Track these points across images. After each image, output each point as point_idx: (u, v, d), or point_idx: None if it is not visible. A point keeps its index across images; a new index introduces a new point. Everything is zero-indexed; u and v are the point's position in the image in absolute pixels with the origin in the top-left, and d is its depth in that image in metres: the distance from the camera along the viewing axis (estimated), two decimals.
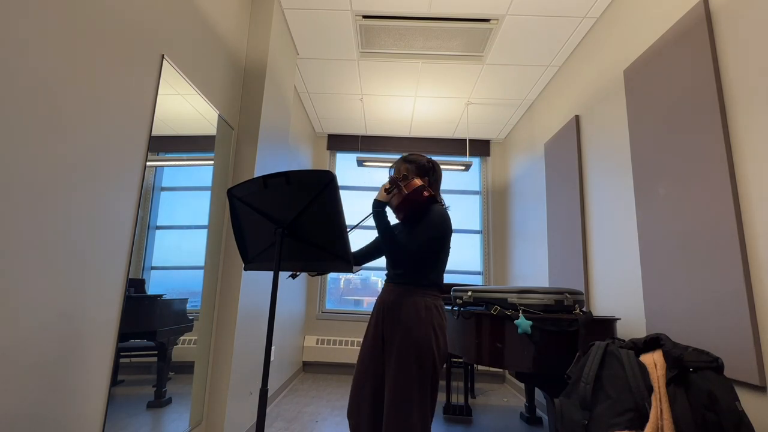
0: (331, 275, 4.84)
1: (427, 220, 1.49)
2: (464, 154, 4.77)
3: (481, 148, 4.89)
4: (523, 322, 1.76)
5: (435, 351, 1.43)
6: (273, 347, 3.34)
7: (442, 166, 4.08)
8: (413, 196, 1.46)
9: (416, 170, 1.60)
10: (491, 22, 2.78)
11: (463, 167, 4.05)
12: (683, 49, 1.80)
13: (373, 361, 1.51)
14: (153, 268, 1.64)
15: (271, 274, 2.72)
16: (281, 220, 1.23)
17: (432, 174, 1.64)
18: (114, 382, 1.41)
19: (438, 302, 1.51)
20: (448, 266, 4.65)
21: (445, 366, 3.46)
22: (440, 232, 1.51)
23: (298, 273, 1.50)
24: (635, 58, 2.18)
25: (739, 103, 1.52)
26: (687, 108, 1.76)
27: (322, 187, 1.15)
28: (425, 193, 1.48)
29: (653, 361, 1.31)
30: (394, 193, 1.49)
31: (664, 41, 1.93)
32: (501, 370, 4.35)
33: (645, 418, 1.23)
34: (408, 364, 1.40)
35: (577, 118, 2.87)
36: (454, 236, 4.75)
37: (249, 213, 1.30)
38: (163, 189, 1.70)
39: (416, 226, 1.50)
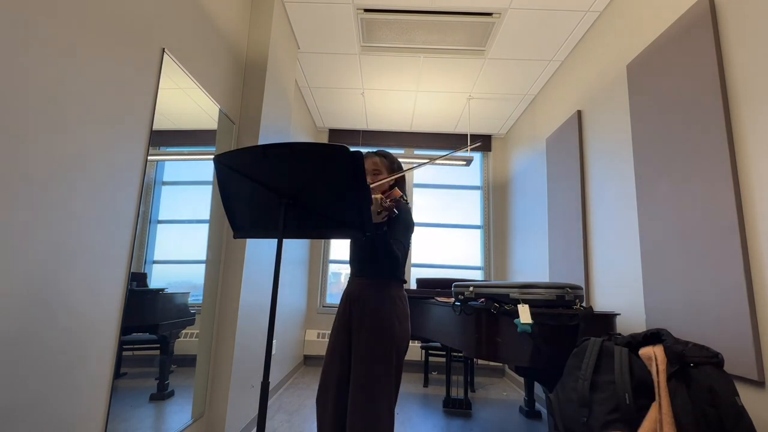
0: (332, 270, 4.85)
1: (400, 220, 1.59)
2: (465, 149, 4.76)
3: (482, 142, 4.87)
4: (522, 323, 1.77)
5: (400, 339, 1.55)
6: (274, 341, 3.35)
7: (442, 162, 4.11)
8: (393, 203, 1.56)
9: (389, 165, 1.70)
10: (493, 15, 2.76)
11: (464, 162, 4.04)
12: (687, 44, 1.79)
13: (341, 351, 1.60)
14: (155, 262, 1.64)
15: (272, 270, 2.73)
16: (284, 190, 1.20)
17: (400, 173, 1.77)
18: (117, 374, 1.42)
19: (401, 293, 1.64)
20: (448, 261, 4.69)
21: (445, 360, 3.48)
22: (412, 229, 1.66)
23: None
24: (638, 53, 2.16)
25: (743, 98, 1.52)
26: (690, 103, 1.75)
27: (352, 166, 1.12)
28: (400, 197, 1.61)
29: (653, 353, 1.31)
30: (383, 208, 1.51)
31: (668, 35, 1.92)
32: (500, 364, 4.37)
33: (633, 417, 1.24)
34: (375, 353, 1.51)
35: (579, 113, 2.86)
36: (454, 230, 4.79)
37: (239, 181, 1.25)
38: (164, 183, 1.70)
39: (393, 227, 1.57)
